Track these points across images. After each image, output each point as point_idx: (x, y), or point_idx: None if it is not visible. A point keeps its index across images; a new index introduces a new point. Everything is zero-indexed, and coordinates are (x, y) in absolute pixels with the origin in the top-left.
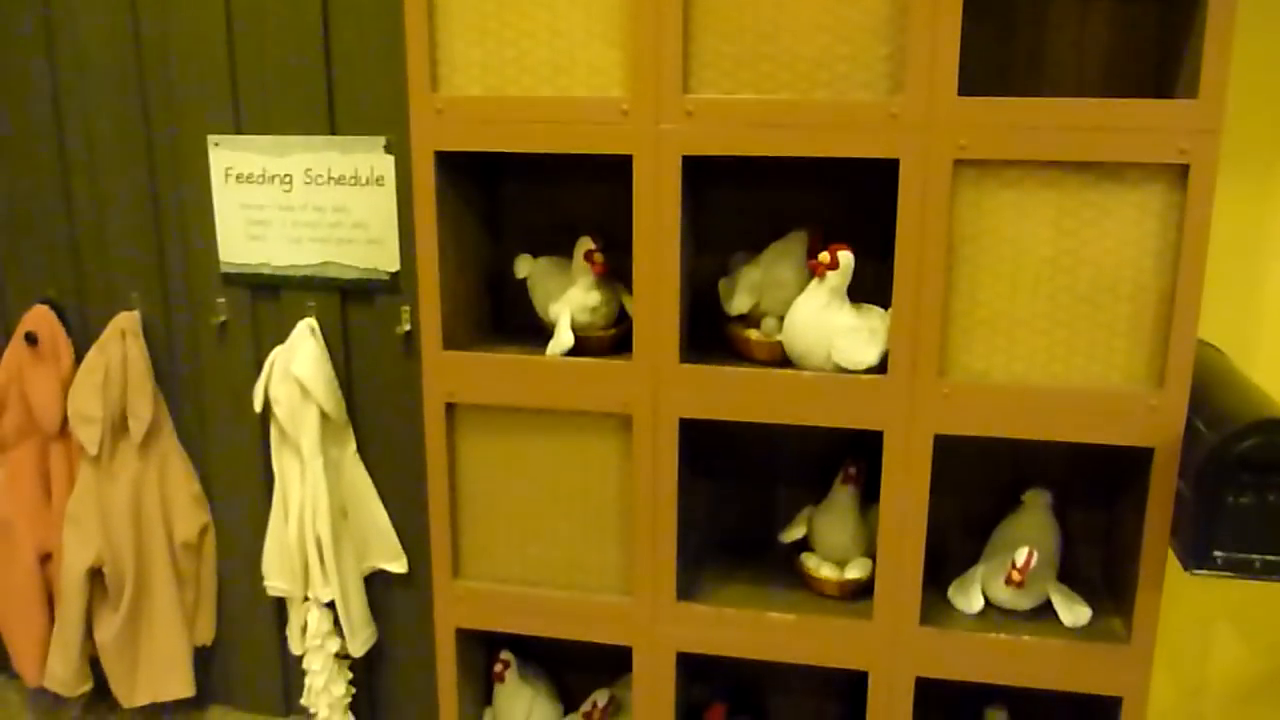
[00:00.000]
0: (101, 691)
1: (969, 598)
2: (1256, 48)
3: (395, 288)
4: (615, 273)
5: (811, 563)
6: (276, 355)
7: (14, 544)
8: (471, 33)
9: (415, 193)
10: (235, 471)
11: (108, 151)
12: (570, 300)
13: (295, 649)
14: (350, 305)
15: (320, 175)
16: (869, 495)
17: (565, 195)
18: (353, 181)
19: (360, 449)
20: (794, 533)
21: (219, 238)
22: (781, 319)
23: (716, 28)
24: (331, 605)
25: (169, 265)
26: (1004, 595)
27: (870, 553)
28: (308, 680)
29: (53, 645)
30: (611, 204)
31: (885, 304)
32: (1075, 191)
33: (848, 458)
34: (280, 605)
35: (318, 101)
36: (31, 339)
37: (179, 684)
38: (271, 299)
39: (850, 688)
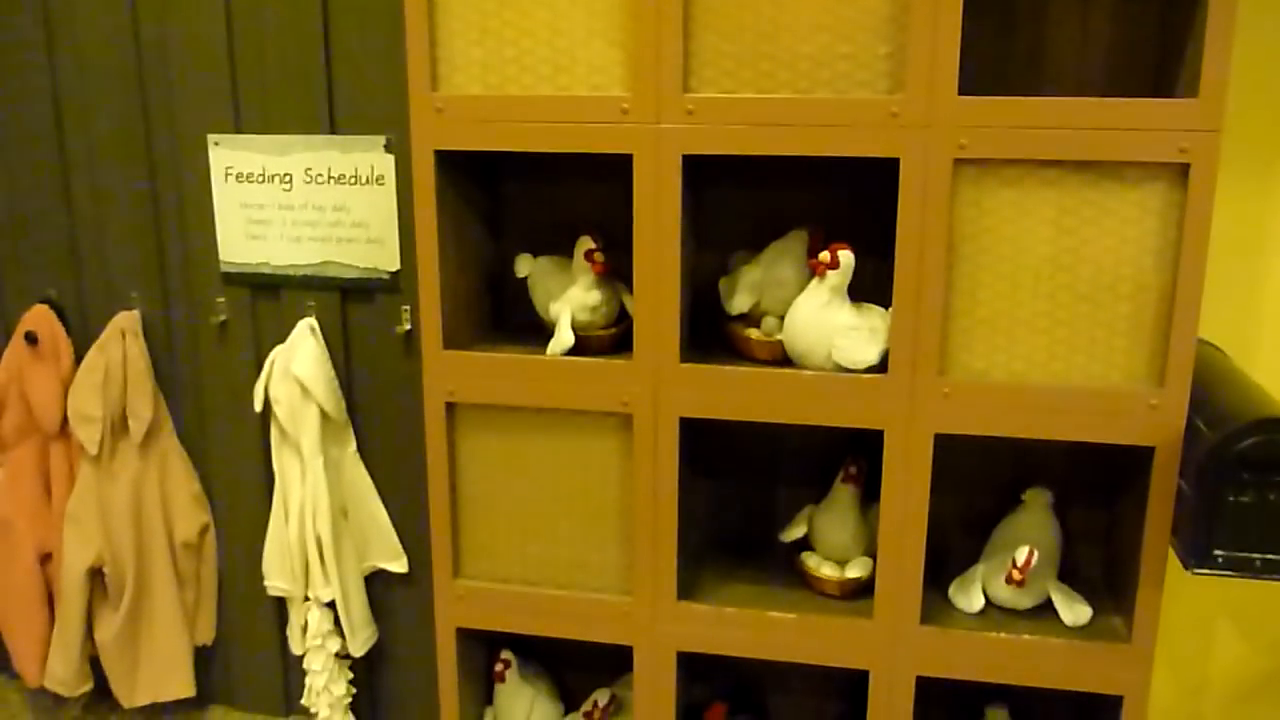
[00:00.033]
0: (102, 691)
1: (969, 597)
2: (1257, 47)
3: (395, 287)
4: (615, 272)
5: (812, 562)
6: (276, 355)
7: (14, 544)
8: (472, 32)
9: (415, 192)
10: (235, 471)
11: (108, 151)
12: (570, 299)
13: (296, 649)
14: (350, 304)
15: (320, 174)
16: (869, 494)
17: (565, 194)
18: (353, 181)
19: (360, 448)
20: (794, 532)
21: (219, 237)
22: (782, 318)
23: (717, 26)
24: (332, 605)
25: (169, 265)
26: (1004, 594)
27: (871, 552)
28: (308, 680)
29: (53, 645)
30: (612, 203)
31: (885, 303)
32: (1075, 190)
33: (848, 457)
34: (280, 605)
35: (318, 101)
36: (31, 339)
37: (179, 684)
38: (271, 298)
39: (851, 687)
